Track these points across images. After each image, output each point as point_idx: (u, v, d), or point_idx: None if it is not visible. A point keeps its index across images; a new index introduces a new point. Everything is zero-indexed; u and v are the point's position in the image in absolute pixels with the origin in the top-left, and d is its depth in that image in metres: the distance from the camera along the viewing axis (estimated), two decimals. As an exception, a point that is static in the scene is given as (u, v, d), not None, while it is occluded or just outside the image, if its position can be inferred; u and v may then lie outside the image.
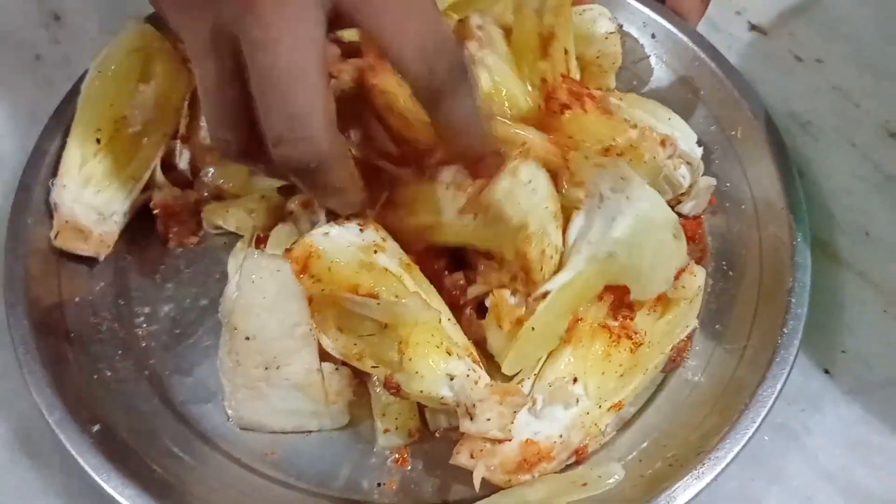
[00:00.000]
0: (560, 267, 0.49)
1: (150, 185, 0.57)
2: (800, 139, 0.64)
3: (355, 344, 0.47)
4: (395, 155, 0.53)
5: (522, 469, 0.47)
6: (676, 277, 0.50)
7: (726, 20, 0.72)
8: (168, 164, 0.58)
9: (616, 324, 0.50)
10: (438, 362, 0.46)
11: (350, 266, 0.47)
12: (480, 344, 0.50)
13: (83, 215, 0.55)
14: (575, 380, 0.49)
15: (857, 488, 0.51)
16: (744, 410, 0.48)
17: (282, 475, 0.50)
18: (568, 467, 0.49)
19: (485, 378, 0.47)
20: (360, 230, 0.49)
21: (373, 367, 0.47)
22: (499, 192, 0.47)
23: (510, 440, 0.47)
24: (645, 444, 0.50)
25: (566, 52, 0.57)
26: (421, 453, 0.50)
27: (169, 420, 0.51)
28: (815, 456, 0.52)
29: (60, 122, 0.58)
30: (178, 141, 0.58)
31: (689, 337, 0.53)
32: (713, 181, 0.58)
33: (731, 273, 0.57)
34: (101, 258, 0.55)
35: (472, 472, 0.46)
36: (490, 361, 0.50)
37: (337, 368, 0.50)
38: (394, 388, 0.46)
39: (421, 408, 0.50)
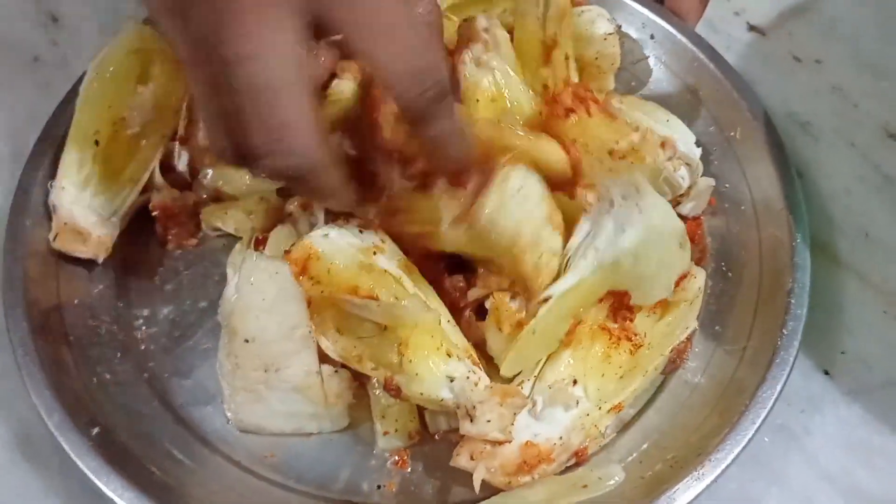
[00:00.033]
0: (561, 270, 0.49)
1: (148, 187, 0.57)
2: (799, 140, 0.64)
3: (355, 346, 0.47)
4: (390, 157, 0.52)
5: (522, 471, 0.47)
6: (677, 284, 0.50)
7: (725, 21, 0.72)
8: (167, 166, 0.58)
9: (616, 326, 0.50)
10: (438, 364, 0.46)
11: (349, 268, 0.46)
12: (480, 346, 0.50)
13: (82, 217, 0.55)
14: (575, 382, 0.49)
15: (857, 489, 0.51)
16: (744, 412, 0.48)
17: (281, 478, 0.50)
18: (568, 469, 0.49)
19: (485, 380, 0.47)
20: (360, 231, 0.49)
21: (372, 368, 0.47)
22: (489, 206, 0.47)
23: (510, 442, 0.47)
24: (645, 446, 0.50)
25: (567, 57, 0.56)
26: (421, 455, 0.50)
27: (168, 422, 0.51)
28: (815, 457, 0.52)
29: (59, 123, 0.57)
30: (177, 143, 0.58)
31: (689, 338, 0.53)
32: (712, 182, 0.57)
33: (730, 274, 0.57)
34: (100, 260, 0.55)
35: (472, 474, 0.46)
36: (489, 363, 0.50)
37: (336, 370, 0.50)
38: (393, 390, 0.46)
39: (421, 410, 0.50)
